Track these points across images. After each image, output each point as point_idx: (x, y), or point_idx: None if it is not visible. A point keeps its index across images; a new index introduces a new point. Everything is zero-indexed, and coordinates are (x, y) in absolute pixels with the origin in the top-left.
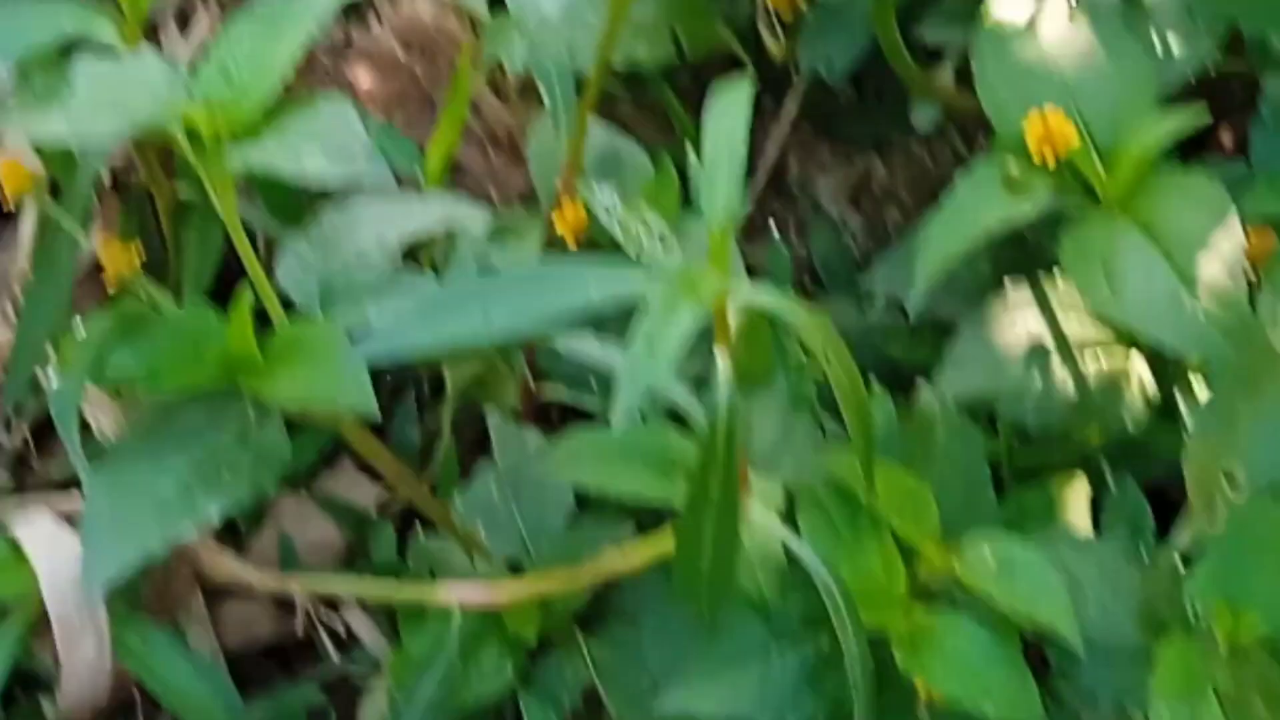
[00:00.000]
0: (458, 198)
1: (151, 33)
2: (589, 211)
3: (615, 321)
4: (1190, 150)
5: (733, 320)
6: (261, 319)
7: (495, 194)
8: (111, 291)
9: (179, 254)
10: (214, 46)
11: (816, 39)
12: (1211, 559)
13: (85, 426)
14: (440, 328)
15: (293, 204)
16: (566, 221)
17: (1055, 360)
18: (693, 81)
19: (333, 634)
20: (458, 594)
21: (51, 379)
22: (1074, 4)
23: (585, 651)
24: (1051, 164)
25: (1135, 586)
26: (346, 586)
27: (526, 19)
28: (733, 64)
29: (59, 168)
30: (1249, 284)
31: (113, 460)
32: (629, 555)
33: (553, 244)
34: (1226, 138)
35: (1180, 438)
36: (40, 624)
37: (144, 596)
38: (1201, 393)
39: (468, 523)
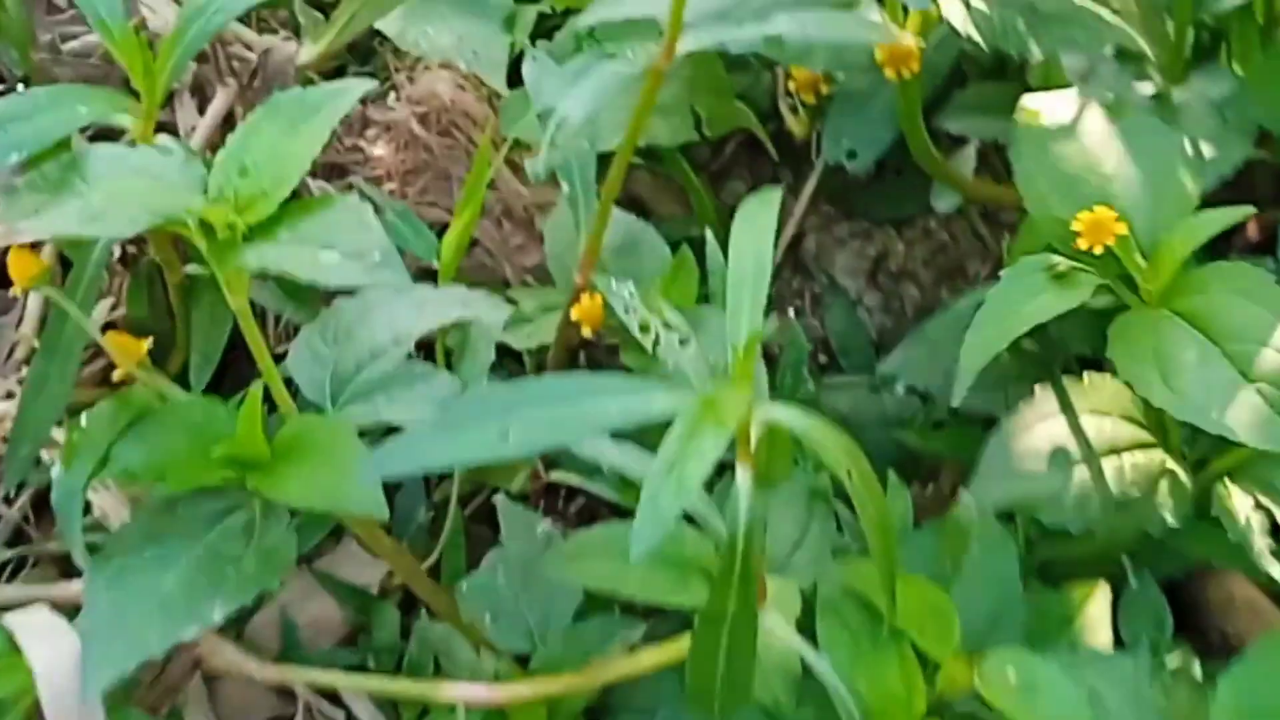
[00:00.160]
0: (473, 289)
1: (167, 102)
2: (606, 303)
3: None
4: (1216, 241)
5: (755, 436)
6: (268, 399)
7: (509, 268)
8: (118, 379)
9: (187, 330)
10: (232, 140)
11: (840, 131)
12: (1236, 677)
13: (88, 507)
14: (456, 443)
15: (306, 287)
16: (583, 313)
17: (1087, 464)
18: (712, 153)
19: None
20: (462, 694)
21: (54, 458)
22: (1109, 105)
23: None
24: (1099, 249)
25: (1158, 703)
26: (348, 682)
27: (550, 124)
28: (751, 136)
29: (69, 244)
30: None
31: (114, 553)
32: (639, 659)
33: (569, 333)
34: (1252, 228)
35: (1213, 539)
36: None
37: (141, 681)
38: (1238, 497)
39: (473, 612)
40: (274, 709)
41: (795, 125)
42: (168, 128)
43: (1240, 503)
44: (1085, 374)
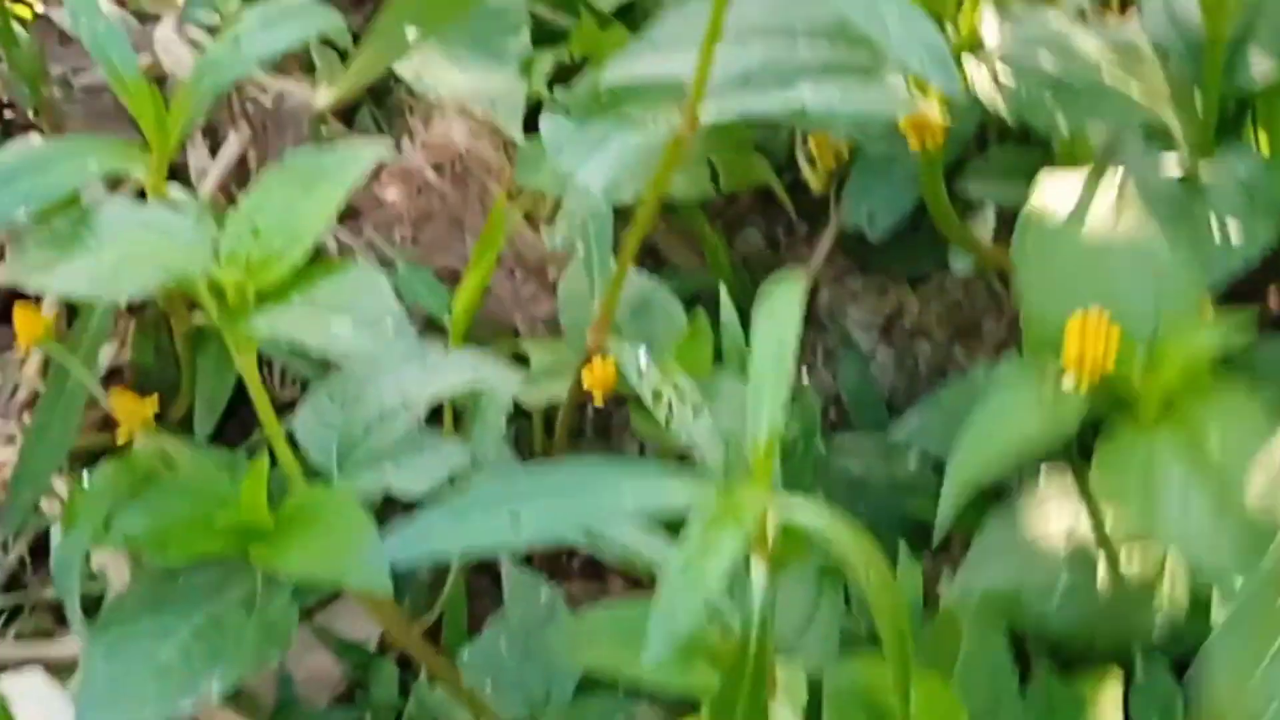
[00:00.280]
0: (484, 347)
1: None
2: (619, 368)
3: None
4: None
5: (771, 532)
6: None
7: (520, 320)
8: (121, 441)
9: (193, 377)
10: (245, 200)
11: (860, 194)
12: None
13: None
14: (467, 529)
15: None
16: (595, 378)
17: (1088, 554)
18: (726, 201)
19: None
20: None
21: (54, 505)
22: (1125, 187)
23: None
24: (1084, 388)
25: None
26: None
27: (569, 194)
28: (768, 189)
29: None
30: None
31: (112, 621)
32: None
33: (580, 394)
34: (1274, 299)
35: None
36: None
37: None
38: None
39: (474, 680)
40: None
41: (813, 179)
42: (178, 169)
43: None
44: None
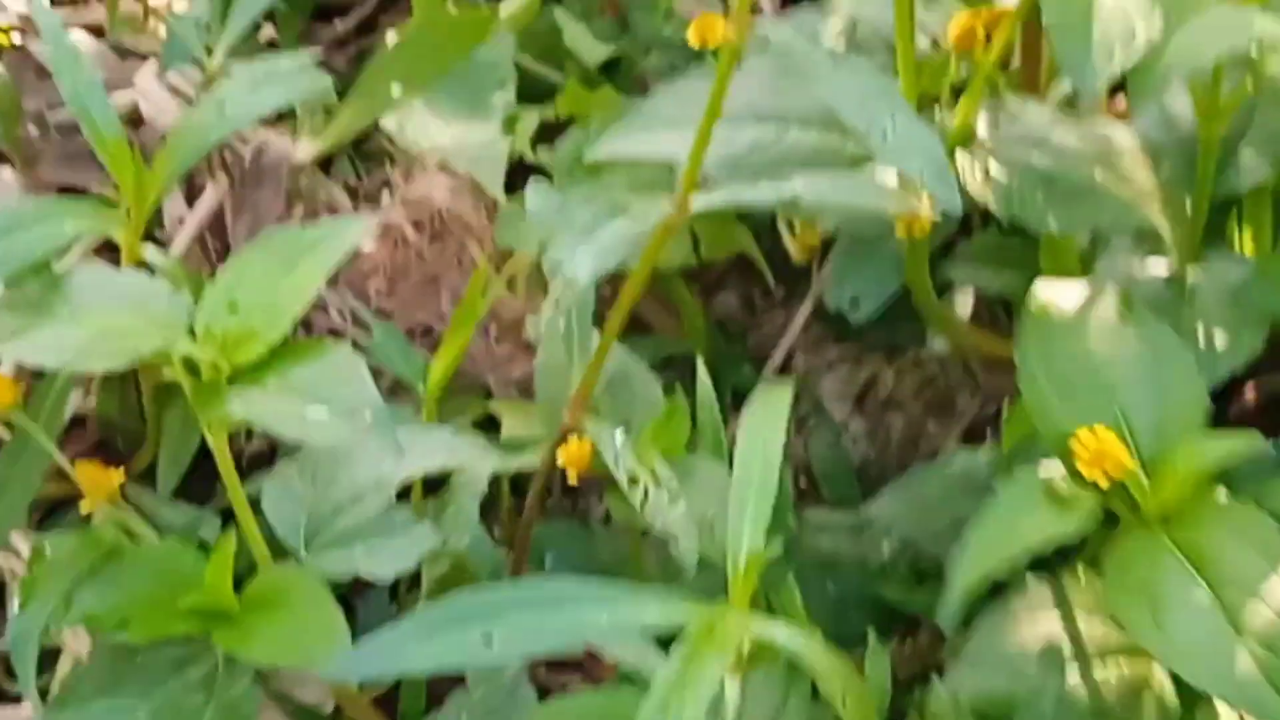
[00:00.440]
0: (460, 428)
1: None
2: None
3: None
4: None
5: (747, 649)
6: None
7: (493, 381)
8: (85, 513)
9: (158, 431)
10: (222, 274)
11: (843, 277)
12: None
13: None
14: (437, 648)
15: None
16: (571, 457)
17: (1074, 664)
18: (704, 266)
19: None
20: None
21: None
22: (1121, 294)
23: None
24: (1104, 484)
25: None
26: None
27: (555, 285)
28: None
29: None
30: None
31: (69, 701)
32: None
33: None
34: (1250, 392)
35: None
36: None
37: None
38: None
39: None
40: None
41: (794, 249)
42: (153, 216)
43: None
44: (1080, 567)
